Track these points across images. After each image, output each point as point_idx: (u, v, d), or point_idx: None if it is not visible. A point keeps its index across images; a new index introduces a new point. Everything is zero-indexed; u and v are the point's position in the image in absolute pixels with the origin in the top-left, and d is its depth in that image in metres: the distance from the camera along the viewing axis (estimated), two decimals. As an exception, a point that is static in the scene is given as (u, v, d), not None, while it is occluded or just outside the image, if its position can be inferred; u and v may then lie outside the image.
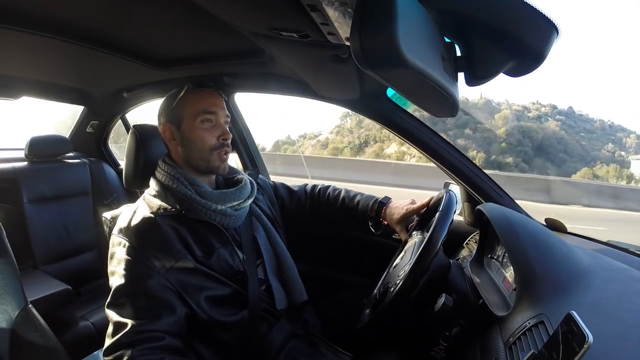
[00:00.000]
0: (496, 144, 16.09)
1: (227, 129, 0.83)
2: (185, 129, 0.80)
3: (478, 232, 0.99)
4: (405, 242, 0.97)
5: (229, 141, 0.82)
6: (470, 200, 1.11)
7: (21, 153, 1.63)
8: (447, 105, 0.57)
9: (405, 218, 0.96)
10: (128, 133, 0.96)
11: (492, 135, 16.33)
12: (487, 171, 1.09)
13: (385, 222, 0.99)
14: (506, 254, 0.80)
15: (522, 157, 15.51)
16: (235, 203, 0.82)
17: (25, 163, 1.60)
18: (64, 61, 1.26)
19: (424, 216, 0.95)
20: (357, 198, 1.03)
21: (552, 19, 0.46)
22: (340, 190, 1.08)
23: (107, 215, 0.92)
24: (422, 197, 0.99)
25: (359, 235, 1.29)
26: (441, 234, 0.73)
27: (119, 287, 0.70)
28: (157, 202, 0.78)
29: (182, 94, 0.81)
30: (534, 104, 19.18)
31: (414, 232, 0.96)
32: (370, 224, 1.00)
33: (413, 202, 0.97)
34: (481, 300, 0.72)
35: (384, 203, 1.00)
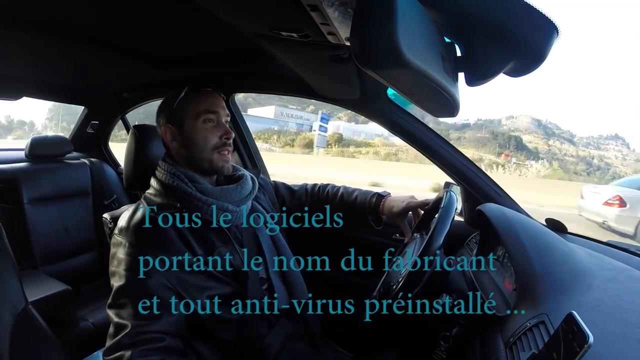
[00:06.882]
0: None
1: (229, 127, 0.83)
2: (187, 130, 0.80)
3: (478, 232, 0.99)
4: (406, 242, 0.96)
5: (231, 140, 0.82)
6: (471, 200, 1.10)
7: (21, 153, 1.63)
8: (447, 105, 0.57)
9: (406, 212, 0.95)
10: (128, 133, 0.96)
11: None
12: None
13: (384, 216, 0.98)
14: (506, 254, 0.80)
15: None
16: (237, 199, 0.82)
17: (25, 163, 1.60)
18: (64, 61, 1.26)
19: (424, 216, 0.95)
20: (356, 193, 1.03)
21: (553, 19, 0.46)
22: (339, 188, 1.08)
23: (107, 215, 0.92)
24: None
25: (360, 235, 1.29)
26: (441, 234, 0.72)
27: (119, 288, 0.70)
28: (158, 201, 0.78)
29: (182, 94, 0.81)
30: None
31: (415, 233, 0.96)
32: (370, 218, 0.99)
33: (414, 198, 0.97)
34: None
35: (382, 196, 0.99)
